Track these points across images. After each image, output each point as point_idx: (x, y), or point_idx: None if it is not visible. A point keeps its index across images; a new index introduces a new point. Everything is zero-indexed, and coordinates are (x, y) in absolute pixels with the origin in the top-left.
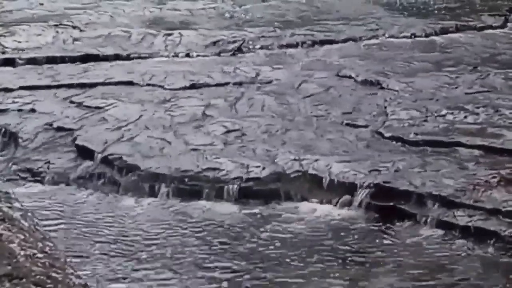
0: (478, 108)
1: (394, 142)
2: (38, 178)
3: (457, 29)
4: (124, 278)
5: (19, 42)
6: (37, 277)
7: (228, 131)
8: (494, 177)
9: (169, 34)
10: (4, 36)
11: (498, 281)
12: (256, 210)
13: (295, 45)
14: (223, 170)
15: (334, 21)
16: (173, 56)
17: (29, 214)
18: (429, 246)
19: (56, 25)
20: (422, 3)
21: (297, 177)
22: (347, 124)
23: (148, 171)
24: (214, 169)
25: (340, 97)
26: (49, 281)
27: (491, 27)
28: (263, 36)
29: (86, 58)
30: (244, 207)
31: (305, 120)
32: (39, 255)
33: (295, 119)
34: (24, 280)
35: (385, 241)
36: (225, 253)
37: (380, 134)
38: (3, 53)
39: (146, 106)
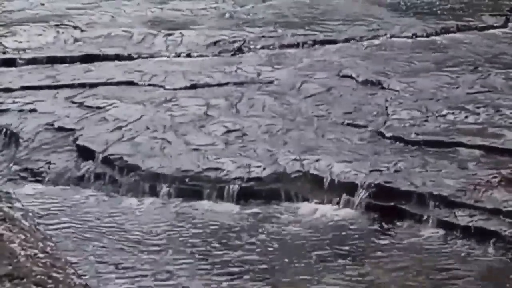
0: (479, 108)
1: (395, 142)
2: (39, 178)
3: (458, 29)
4: (124, 278)
5: (20, 42)
6: (38, 277)
7: (229, 131)
8: (495, 177)
9: (170, 34)
10: (5, 36)
11: (499, 281)
12: (257, 210)
13: (296, 45)
14: (224, 170)
15: (335, 21)
16: (174, 56)
17: (30, 214)
18: (429, 246)
19: (57, 25)
20: (423, 3)
21: (298, 177)
22: (348, 124)
23: (149, 171)
24: (215, 169)
25: (341, 97)
26: (50, 281)
27: (492, 27)
28: (264, 36)
29: (87, 58)
30: (245, 207)
31: (306, 120)
32: (40, 255)
33: (296, 119)
34: (25, 280)
35: (386, 241)
36: (225, 254)
37: (381, 134)
38: (4, 53)
39: (147, 106)
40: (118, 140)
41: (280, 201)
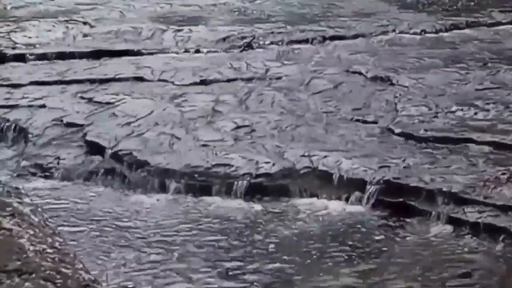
0: (488, 104)
1: (404, 139)
2: (48, 174)
3: (467, 26)
4: (133, 273)
5: (30, 37)
6: (47, 272)
7: (238, 127)
8: (504, 174)
9: (179, 30)
10: (15, 31)
11: (507, 277)
12: (265, 206)
13: (305, 41)
14: (233, 166)
15: (344, 17)
16: (183, 52)
17: (39, 209)
18: (438, 242)
19: (66, 21)
20: None
21: (307, 173)
22: (357, 120)
23: (158, 167)
24: (224, 165)
25: (350, 93)
26: (58, 276)
27: (501, 23)
28: (273, 32)
29: (96, 54)
30: (254, 203)
31: (315, 116)
32: (49, 250)
33: (305, 115)
34: (33, 275)
35: (395, 237)
36: (234, 249)
37: (390, 130)
38: (14, 48)
39: (156, 102)
40: (127, 136)
41: (289, 197)
